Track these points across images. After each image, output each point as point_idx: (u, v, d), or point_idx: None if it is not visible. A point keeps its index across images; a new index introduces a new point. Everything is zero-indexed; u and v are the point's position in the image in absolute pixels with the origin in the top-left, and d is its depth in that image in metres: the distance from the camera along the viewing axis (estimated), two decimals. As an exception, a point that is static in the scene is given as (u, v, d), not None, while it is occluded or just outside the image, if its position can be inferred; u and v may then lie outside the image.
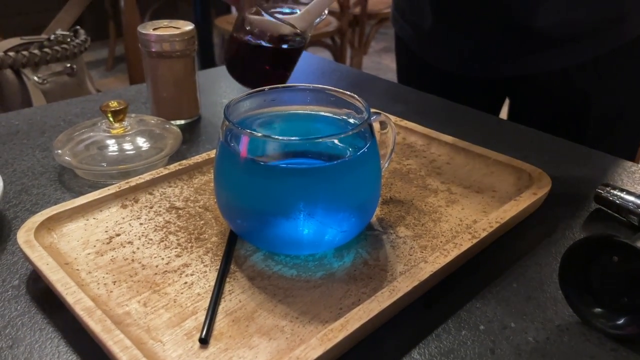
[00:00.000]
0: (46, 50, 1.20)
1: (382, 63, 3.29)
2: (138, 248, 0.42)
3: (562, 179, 0.53)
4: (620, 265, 0.35)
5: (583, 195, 0.51)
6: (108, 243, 0.42)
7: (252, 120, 0.43)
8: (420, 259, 0.41)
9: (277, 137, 0.37)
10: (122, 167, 0.52)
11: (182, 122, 0.66)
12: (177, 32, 0.61)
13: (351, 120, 0.43)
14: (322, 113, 0.45)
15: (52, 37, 1.28)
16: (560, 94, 0.75)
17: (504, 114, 0.87)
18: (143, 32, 0.61)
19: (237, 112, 0.42)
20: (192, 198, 0.48)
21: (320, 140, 0.37)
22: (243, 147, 0.37)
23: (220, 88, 0.77)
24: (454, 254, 0.39)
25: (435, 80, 0.83)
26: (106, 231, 0.43)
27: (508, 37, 0.72)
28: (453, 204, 0.47)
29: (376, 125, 0.45)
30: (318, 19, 0.61)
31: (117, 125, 0.55)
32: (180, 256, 0.41)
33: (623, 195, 0.47)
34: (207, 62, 2.31)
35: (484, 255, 0.43)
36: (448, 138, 0.57)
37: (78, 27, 1.34)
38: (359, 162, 0.39)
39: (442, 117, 0.69)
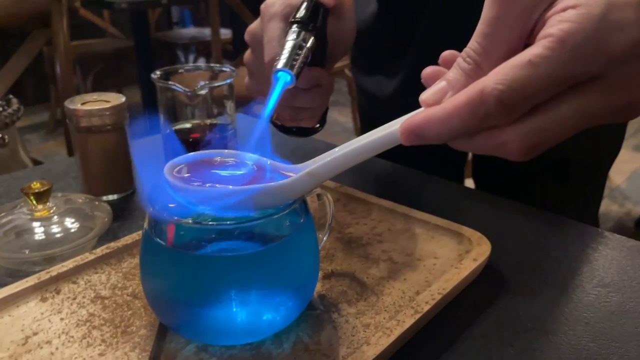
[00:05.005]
0: (-24, 121, 1.15)
1: (331, 117, 3.34)
2: (57, 348, 0.38)
3: (504, 240, 0.53)
4: None
5: (525, 257, 0.51)
6: (24, 344, 0.38)
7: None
8: (363, 340, 0.39)
9: (204, 222, 0.35)
10: (47, 252, 0.49)
11: (115, 196, 0.63)
12: (107, 105, 0.60)
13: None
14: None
15: (-17, 107, 1.23)
16: None
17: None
18: (70, 107, 0.59)
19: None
20: (120, 285, 0.45)
21: (251, 223, 0.35)
22: (169, 235, 0.35)
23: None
24: (397, 332, 0.38)
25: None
26: (22, 330, 0.40)
27: None
28: (395, 274, 0.46)
29: (313, 198, 0.43)
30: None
31: (40, 207, 0.52)
32: (103, 355, 0.37)
33: None
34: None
35: (428, 328, 0.41)
36: (388, 203, 0.56)
37: (10, 95, 1.30)
38: (293, 243, 0.37)
39: (382, 180, 0.69)
